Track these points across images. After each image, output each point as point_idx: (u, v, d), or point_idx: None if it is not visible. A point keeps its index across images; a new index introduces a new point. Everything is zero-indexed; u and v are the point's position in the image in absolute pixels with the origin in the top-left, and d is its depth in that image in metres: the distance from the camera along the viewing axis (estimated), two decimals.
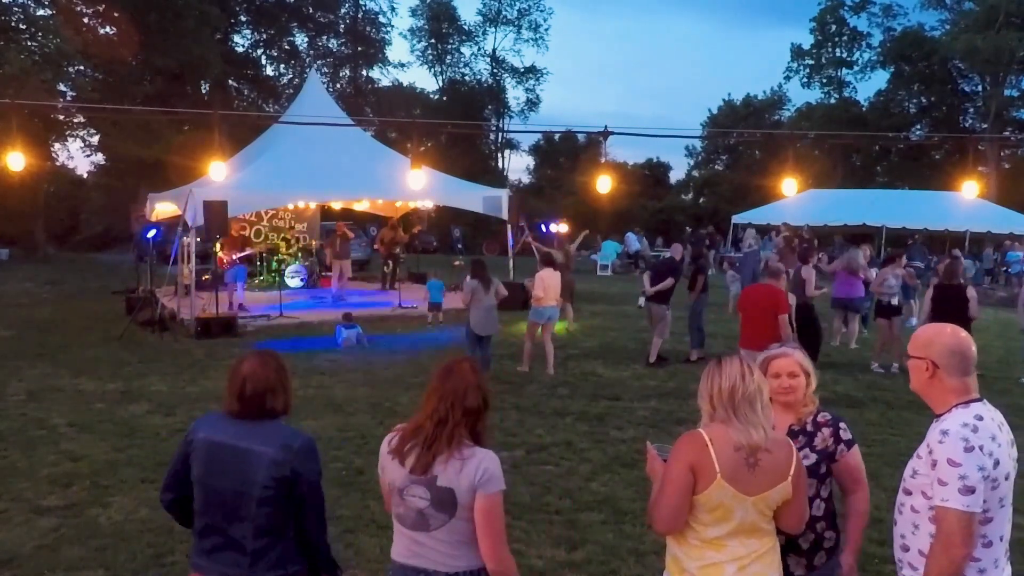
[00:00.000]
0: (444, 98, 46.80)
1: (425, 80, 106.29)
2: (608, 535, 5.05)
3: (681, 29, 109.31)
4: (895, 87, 42.38)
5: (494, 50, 48.14)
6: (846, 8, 43.49)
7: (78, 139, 32.69)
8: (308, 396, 8.43)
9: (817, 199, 27.32)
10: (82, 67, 27.53)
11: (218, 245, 15.36)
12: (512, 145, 49.23)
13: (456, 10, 46.84)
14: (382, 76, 47.16)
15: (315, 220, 21.04)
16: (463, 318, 10.00)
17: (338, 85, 43.40)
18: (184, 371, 9.80)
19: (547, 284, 9.84)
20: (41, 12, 26.65)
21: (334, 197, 18.00)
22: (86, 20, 29.76)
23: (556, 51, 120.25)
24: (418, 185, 13.75)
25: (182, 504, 2.74)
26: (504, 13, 47.45)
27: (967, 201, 19.28)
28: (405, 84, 48.84)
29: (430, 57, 47.65)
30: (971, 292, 9.14)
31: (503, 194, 16.92)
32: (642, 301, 11.20)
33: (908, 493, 2.48)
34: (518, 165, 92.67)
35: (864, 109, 42.68)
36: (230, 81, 37.63)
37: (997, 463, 2.32)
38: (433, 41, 47.34)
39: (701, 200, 44.51)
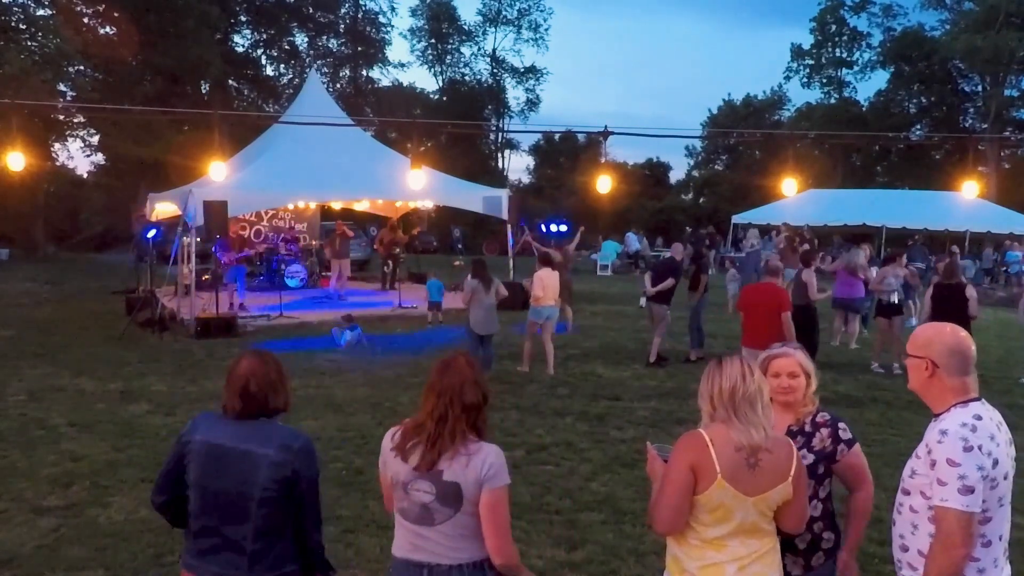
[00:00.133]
0: (444, 98, 46.79)
1: (425, 80, 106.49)
2: (608, 535, 5.05)
3: (681, 29, 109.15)
4: (895, 87, 42.39)
5: (494, 50, 48.21)
6: (846, 8, 43.49)
7: (78, 139, 32.85)
8: (308, 396, 8.43)
9: (817, 199, 27.35)
10: (82, 67, 27.56)
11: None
12: (512, 145, 49.34)
13: (456, 10, 46.94)
14: (382, 76, 47.32)
15: (315, 220, 21.03)
16: (463, 318, 10.02)
17: (338, 85, 43.41)
18: (184, 371, 9.80)
19: (546, 283, 9.84)
20: (41, 12, 26.70)
21: (334, 197, 17.99)
22: (86, 20, 29.81)
23: (556, 51, 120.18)
24: (418, 185, 13.75)
25: (174, 505, 2.71)
26: (504, 13, 47.48)
27: (967, 201, 19.30)
28: (405, 84, 48.96)
29: (430, 57, 47.68)
30: (971, 291, 9.14)
31: (503, 194, 16.90)
32: (643, 301, 11.20)
33: (907, 493, 2.48)
34: (518, 165, 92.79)
35: (864, 109, 42.70)
36: (230, 81, 37.65)
37: (996, 463, 2.32)
38: (433, 41, 47.33)
39: (701, 200, 44.52)
